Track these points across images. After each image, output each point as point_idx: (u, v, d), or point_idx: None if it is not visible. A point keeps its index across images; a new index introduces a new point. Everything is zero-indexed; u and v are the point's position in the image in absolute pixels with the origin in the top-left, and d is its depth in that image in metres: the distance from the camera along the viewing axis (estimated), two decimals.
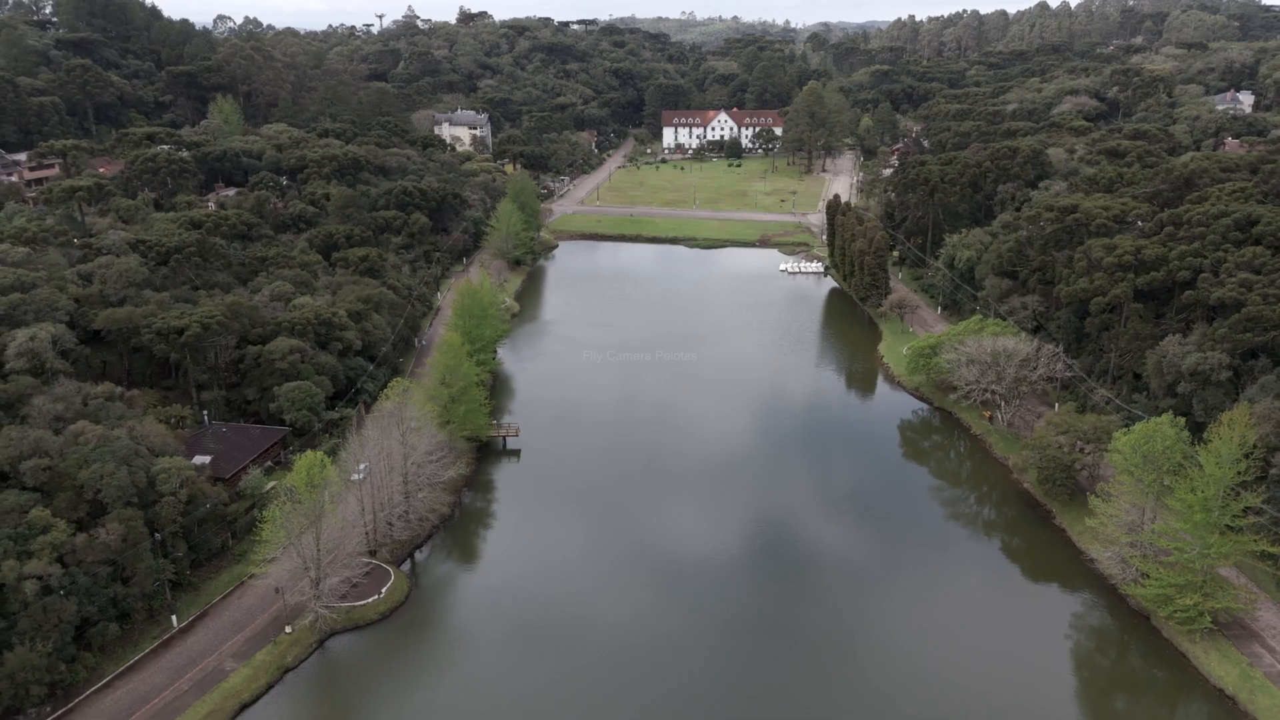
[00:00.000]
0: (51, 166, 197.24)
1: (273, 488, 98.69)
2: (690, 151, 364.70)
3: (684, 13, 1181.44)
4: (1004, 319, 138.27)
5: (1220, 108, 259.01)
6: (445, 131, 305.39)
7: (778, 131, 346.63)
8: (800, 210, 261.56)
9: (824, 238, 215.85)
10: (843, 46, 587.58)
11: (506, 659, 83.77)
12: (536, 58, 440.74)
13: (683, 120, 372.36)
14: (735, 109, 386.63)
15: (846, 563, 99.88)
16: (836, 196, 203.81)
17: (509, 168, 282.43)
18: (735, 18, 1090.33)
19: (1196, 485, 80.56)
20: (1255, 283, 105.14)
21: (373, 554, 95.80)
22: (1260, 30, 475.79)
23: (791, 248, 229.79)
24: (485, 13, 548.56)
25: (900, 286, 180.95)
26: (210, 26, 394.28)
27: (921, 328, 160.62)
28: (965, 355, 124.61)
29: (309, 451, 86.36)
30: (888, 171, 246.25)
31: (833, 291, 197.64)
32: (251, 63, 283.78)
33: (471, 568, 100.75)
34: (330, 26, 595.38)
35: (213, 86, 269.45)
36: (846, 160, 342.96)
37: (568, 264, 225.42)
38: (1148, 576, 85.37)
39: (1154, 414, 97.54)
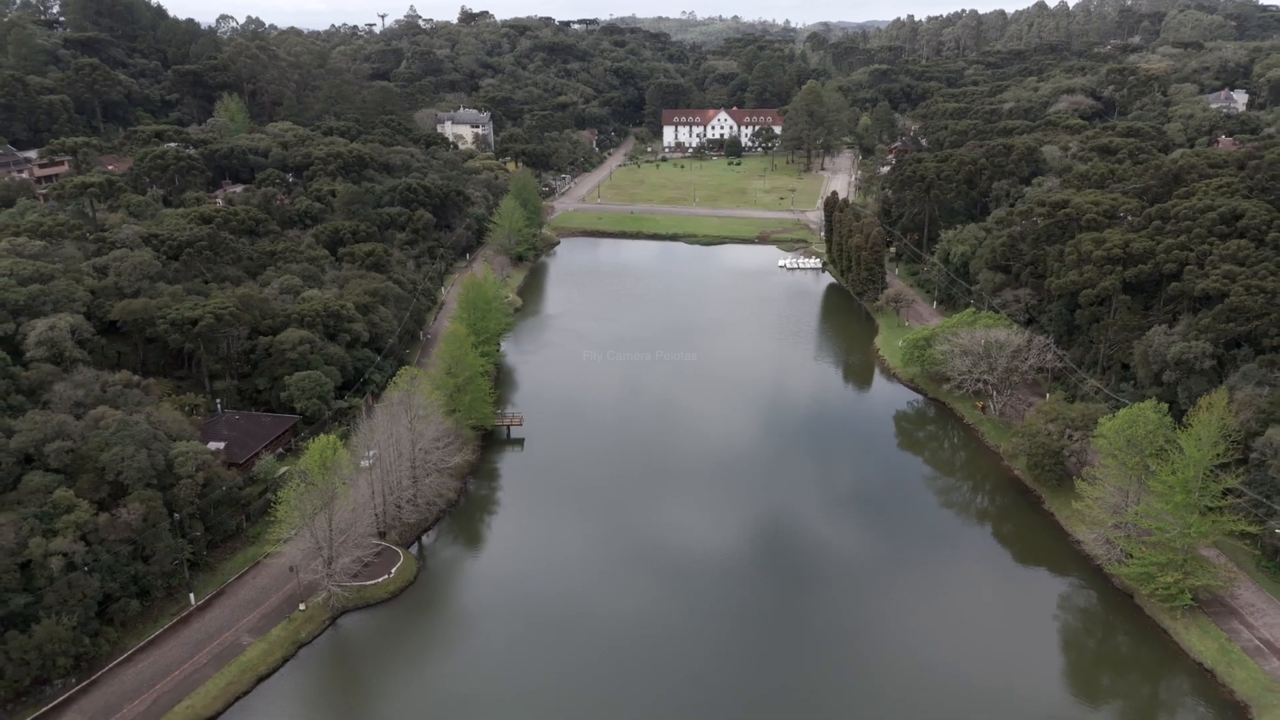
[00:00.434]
0: (61, 164, 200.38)
1: (285, 472, 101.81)
2: (690, 150, 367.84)
3: (684, 12, 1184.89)
4: (997, 312, 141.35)
5: (1214, 106, 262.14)
6: (448, 130, 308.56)
7: (777, 130, 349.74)
8: (799, 208, 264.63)
9: (822, 234, 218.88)
10: (842, 46, 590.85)
11: (511, 638, 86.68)
12: (538, 57, 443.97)
13: (683, 119, 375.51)
14: (735, 108, 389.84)
15: (842, 551, 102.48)
16: (834, 193, 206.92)
17: (511, 166, 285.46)
18: (735, 17, 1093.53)
19: (1177, 467, 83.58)
20: (1238, 274, 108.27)
21: (382, 536, 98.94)
22: (1257, 30, 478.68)
23: (790, 244, 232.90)
24: (487, 12, 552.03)
25: (896, 281, 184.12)
26: (212, 26, 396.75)
27: (917, 322, 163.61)
28: (958, 347, 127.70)
29: (322, 435, 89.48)
30: (885, 169, 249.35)
31: (830, 287, 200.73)
32: (257, 62, 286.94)
33: (477, 551, 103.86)
34: (333, 26, 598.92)
35: (218, 85, 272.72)
36: (845, 159, 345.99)
37: (569, 260, 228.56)
38: (1131, 556, 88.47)
39: (1140, 402, 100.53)
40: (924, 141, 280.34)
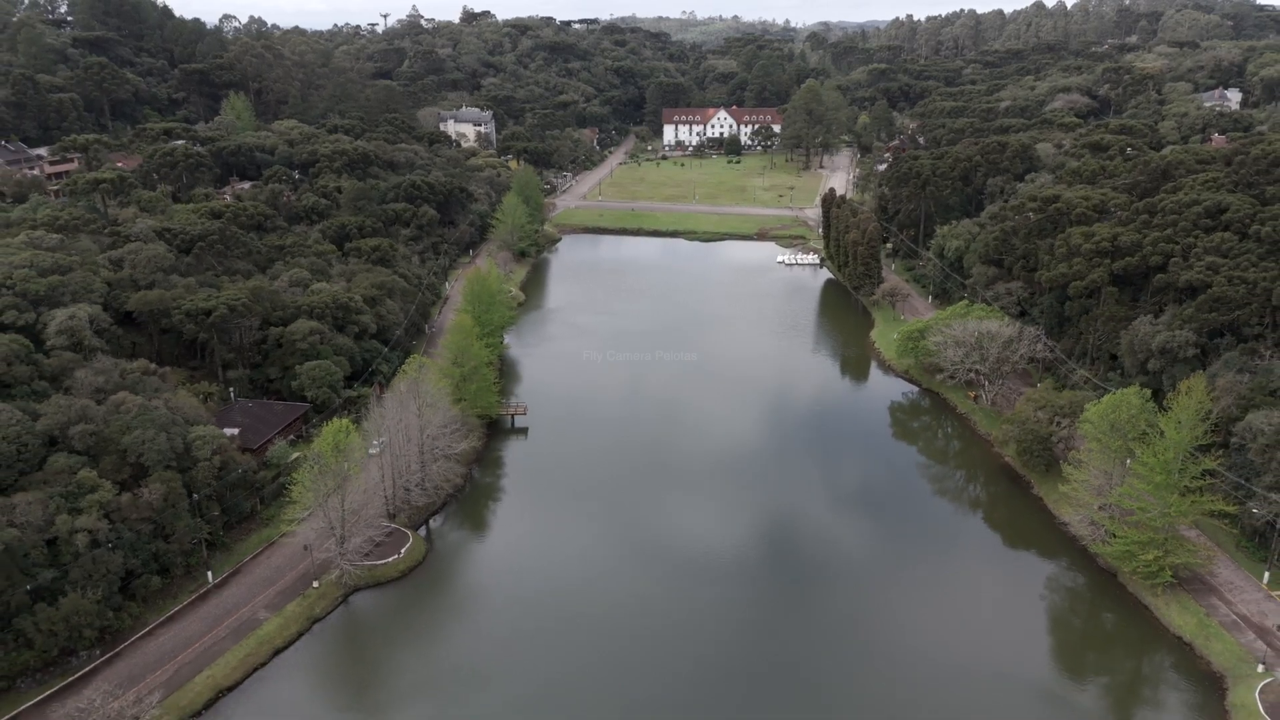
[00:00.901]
0: (71, 161, 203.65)
1: (298, 457, 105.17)
2: (690, 148, 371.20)
3: (684, 12, 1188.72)
4: (989, 304, 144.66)
5: (1208, 105, 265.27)
6: (450, 128, 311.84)
7: (776, 129, 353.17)
8: (797, 205, 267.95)
9: (820, 231, 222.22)
10: (841, 46, 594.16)
11: (516, 616, 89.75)
12: (539, 56, 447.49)
13: (683, 118, 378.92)
14: (735, 107, 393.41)
15: (838, 537, 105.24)
16: (832, 190, 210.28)
17: (513, 164, 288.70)
18: (735, 17, 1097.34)
19: (1158, 450, 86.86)
20: (1221, 266, 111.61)
21: (392, 518, 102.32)
22: (1253, 29, 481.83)
23: (788, 241, 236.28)
24: (488, 12, 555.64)
25: (892, 276, 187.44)
26: (217, 25, 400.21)
27: (912, 315, 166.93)
28: (951, 338, 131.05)
29: (335, 420, 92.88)
30: (882, 167, 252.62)
31: (828, 283, 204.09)
32: (262, 61, 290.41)
33: (483, 534, 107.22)
34: (335, 26, 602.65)
35: (225, 84, 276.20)
36: (844, 157, 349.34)
37: (571, 256, 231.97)
38: (1114, 536, 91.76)
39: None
40: (921, 140, 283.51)
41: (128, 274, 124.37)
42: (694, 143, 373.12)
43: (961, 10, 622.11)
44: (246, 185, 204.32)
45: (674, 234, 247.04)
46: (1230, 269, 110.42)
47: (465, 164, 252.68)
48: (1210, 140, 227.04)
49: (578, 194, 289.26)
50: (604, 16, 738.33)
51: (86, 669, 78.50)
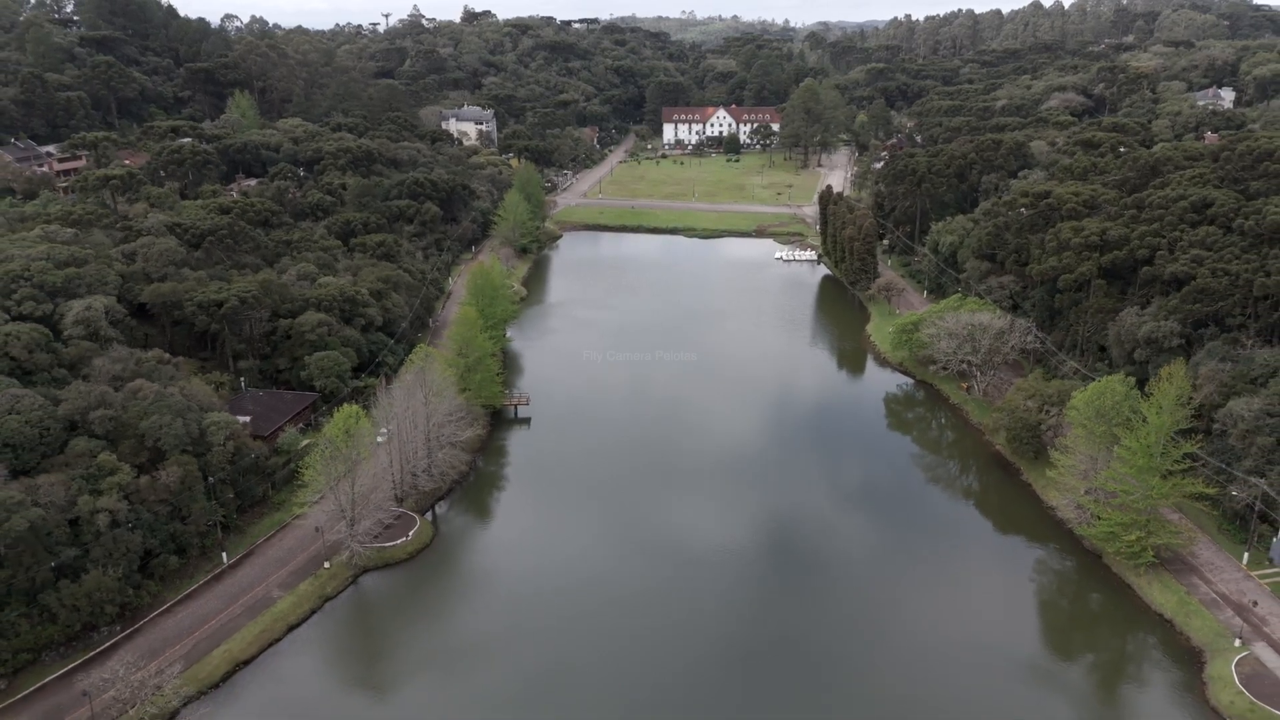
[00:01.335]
0: (79, 158, 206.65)
1: (308, 444, 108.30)
2: (690, 147, 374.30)
3: (684, 12, 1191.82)
4: (982, 298, 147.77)
5: (1201, 103, 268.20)
6: (452, 126, 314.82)
7: (775, 127, 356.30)
8: (796, 203, 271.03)
9: (818, 228, 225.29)
10: (840, 45, 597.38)
11: (519, 596, 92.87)
12: (539, 56, 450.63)
13: (682, 117, 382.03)
14: (734, 106, 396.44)
15: (834, 527, 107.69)
16: (829, 187, 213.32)
17: (514, 162, 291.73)
18: (735, 17, 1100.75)
19: (1141, 434, 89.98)
20: (1206, 258, 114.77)
21: (400, 502, 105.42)
22: (1249, 29, 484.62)
23: (787, 237, 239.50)
24: (489, 12, 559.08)
25: (888, 271, 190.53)
26: (221, 25, 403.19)
27: (908, 310, 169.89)
28: (944, 330, 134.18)
29: (345, 405, 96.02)
30: (879, 165, 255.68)
31: (825, 278, 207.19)
32: (266, 60, 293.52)
33: (488, 518, 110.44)
34: (337, 25, 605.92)
35: (229, 83, 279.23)
36: (842, 156, 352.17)
37: (571, 253, 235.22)
38: (1099, 518, 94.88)
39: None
40: (919, 138, 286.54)
41: (140, 267, 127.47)
42: (693, 141, 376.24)
43: (960, 10, 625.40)
44: (252, 182, 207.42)
45: (673, 231, 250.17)
46: (1214, 262, 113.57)
47: (467, 162, 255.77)
48: (1203, 138, 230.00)
49: (578, 192, 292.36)
50: (604, 16, 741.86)
51: (108, 644, 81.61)
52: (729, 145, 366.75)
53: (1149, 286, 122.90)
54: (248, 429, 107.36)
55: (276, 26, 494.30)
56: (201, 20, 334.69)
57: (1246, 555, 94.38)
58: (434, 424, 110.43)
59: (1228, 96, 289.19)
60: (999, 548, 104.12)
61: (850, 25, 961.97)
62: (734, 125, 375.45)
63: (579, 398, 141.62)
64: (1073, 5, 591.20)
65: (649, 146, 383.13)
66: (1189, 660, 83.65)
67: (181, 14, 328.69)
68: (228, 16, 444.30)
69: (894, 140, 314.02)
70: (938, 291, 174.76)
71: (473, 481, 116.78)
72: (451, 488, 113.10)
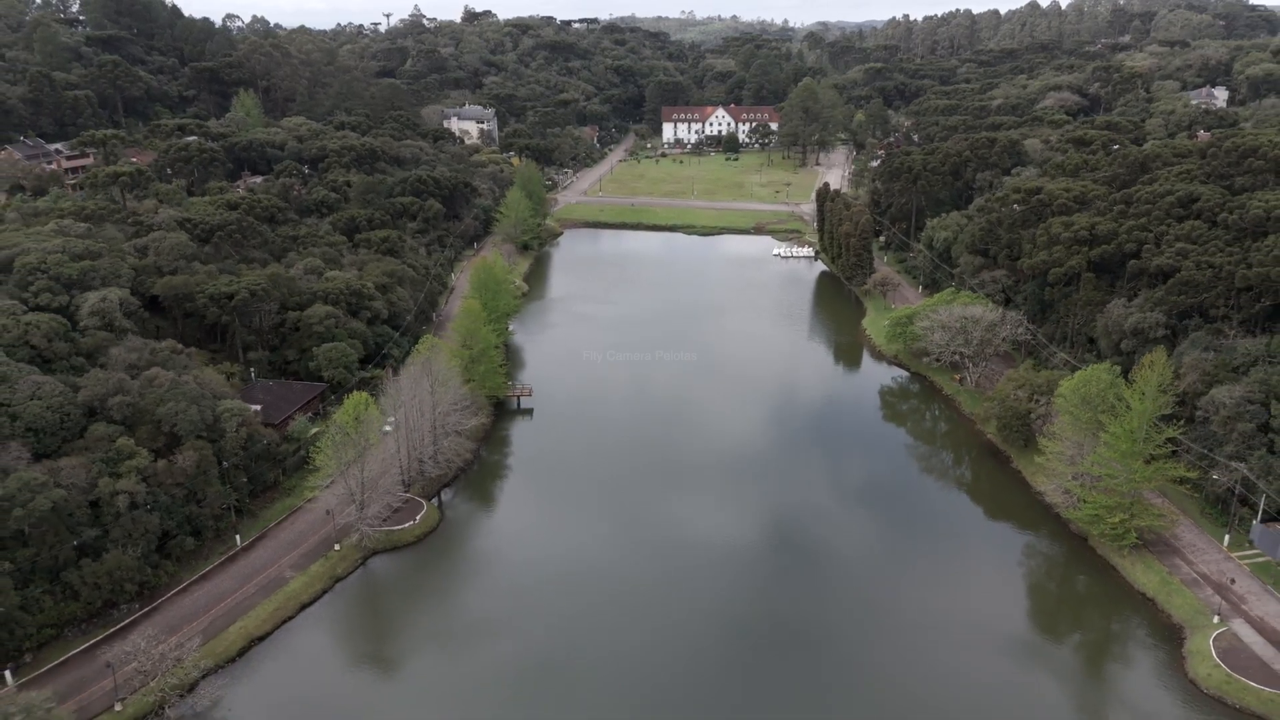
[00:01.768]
0: (87, 156, 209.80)
1: (317, 432, 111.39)
2: (689, 146, 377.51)
3: (683, 12, 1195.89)
4: (975, 291, 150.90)
5: (1195, 102, 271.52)
6: (453, 125, 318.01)
7: (774, 127, 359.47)
8: (794, 200, 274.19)
9: (815, 225, 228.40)
10: (838, 45, 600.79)
11: (523, 578, 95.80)
12: (540, 55, 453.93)
13: (682, 116, 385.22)
14: (733, 105, 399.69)
15: (830, 514, 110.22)
16: (826, 184, 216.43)
17: (515, 160, 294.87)
18: (734, 17, 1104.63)
19: (1124, 420, 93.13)
20: (1191, 251, 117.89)
21: (407, 488, 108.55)
22: (1245, 29, 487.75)
23: (785, 235, 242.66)
24: (489, 11, 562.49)
25: (883, 267, 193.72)
26: (224, 24, 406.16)
27: (903, 304, 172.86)
28: (937, 322, 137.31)
29: (355, 393, 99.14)
30: (876, 163, 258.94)
31: (822, 274, 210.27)
32: (270, 59, 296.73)
33: (492, 504, 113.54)
34: (338, 25, 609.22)
35: (234, 82, 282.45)
36: (839, 154, 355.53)
37: (572, 250, 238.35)
38: (1085, 501, 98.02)
39: None
40: (915, 137, 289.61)
41: (152, 261, 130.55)
42: (693, 140, 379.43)
43: (958, 10, 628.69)
44: (258, 180, 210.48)
45: (673, 228, 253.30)
46: (1199, 255, 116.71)
47: (469, 160, 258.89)
48: (1195, 137, 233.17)
49: (579, 190, 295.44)
50: (604, 16, 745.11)
51: (127, 620, 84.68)
52: (728, 144, 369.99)
53: (1136, 279, 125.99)
54: (258, 417, 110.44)
55: (278, 26, 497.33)
56: (206, 20, 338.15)
57: (1227, 538, 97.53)
58: (440, 412, 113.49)
59: (1221, 96, 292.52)
60: (989, 533, 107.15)
61: (849, 25, 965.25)
62: (733, 124, 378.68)
63: (579, 388, 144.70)
64: (1070, 5, 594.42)
65: (649, 145, 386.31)
66: (1170, 636, 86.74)
67: (186, 14, 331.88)
68: (229, 16, 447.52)
69: (891, 139, 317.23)
70: (932, 286, 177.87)
71: (477, 469, 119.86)
72: (456, 475, 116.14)
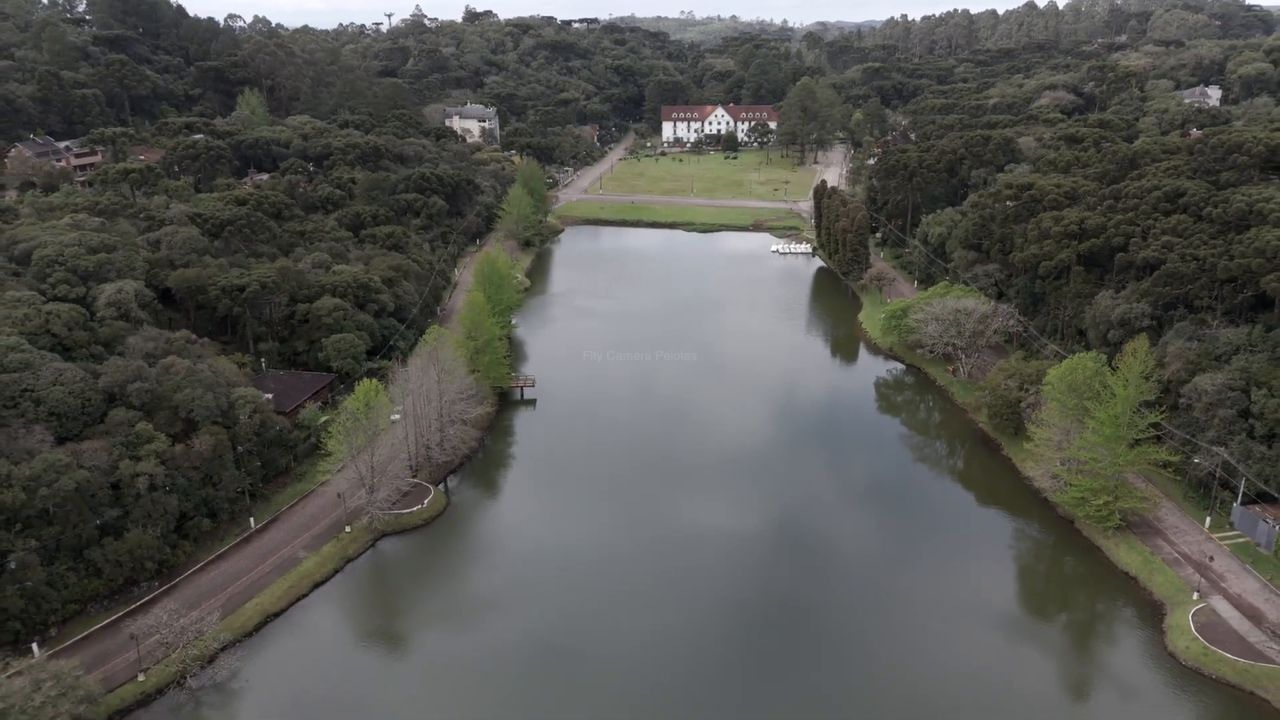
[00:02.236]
0: (95, 153, 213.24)
1: (327, 420, 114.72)
2: (688, 145, 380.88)
3: (683, 12, 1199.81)
4: (968, 285, 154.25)
5: (1188, 101, 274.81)
6: (455, 124, 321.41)
7: (772, 126, 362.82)
8: (792, 198, 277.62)
9: (813, 222, 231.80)
10: (837, 45, 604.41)
11: (527, 560, 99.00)
12: (540, 55, 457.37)
13: (681, 115, 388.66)
14: (732, 104, 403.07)
15: (827, 503, 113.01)
16: (824, 181, 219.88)
17: (516, 159, 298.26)
18: (734, 17, 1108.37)
19: (1109, 406, 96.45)
20: (1176, 244, 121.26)
21: (415, 473, 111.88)
22: (1240, 29, 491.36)
23: (783, 231, 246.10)
24: (490, 12, 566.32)
25: (879, 262, 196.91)
26: (228, 24, 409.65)
27: (898, 298, 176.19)
28: (931, 315, 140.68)
29: (365, 380, 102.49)
30: (873, 161, 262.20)
31: (820, 270, 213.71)
32: (274, 59, 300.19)
33: (497, 490, 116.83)
34: (340, 25, 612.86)
35: (239, 81, 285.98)
36: (837, 153, 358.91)
37: (573, 247, 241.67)
38: (1071, 485, 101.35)
39: None
40: (913, 136, 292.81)
41: (165, 254, 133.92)
42: (692, 139, 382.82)
43: (955, 10, 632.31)
44: (264, 177, 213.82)
45: (673, 225, 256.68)
46: (1184, 247, 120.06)
47: (471, 158, 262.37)
48: (1188, 135, 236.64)
49: (579, 188, 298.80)
50: (604, 16, 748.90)
51: (148, 597, 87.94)
52: (727, 143, 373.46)
53: (1124, 272, 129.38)
54: (270, 405, 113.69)
55: (280, 26, 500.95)
56: (210, 20, 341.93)
57: (1209, 520, 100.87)
58: (446, 401, 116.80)
59: (1214, 94, 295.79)
60: (981, 518, 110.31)
61: (848, 25, 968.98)
62: (732, 123, 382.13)
63: (580, 381, 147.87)
64: (1067, 5, 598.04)
65: (648, 144, 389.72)
66: (1151, 613, 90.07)
67: (190, 14, 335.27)
68: (231, 16, 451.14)
69: (888, 138, 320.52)
70: (927, 281, 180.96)
71: (482, 456, 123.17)
72: (462, 461, 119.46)
